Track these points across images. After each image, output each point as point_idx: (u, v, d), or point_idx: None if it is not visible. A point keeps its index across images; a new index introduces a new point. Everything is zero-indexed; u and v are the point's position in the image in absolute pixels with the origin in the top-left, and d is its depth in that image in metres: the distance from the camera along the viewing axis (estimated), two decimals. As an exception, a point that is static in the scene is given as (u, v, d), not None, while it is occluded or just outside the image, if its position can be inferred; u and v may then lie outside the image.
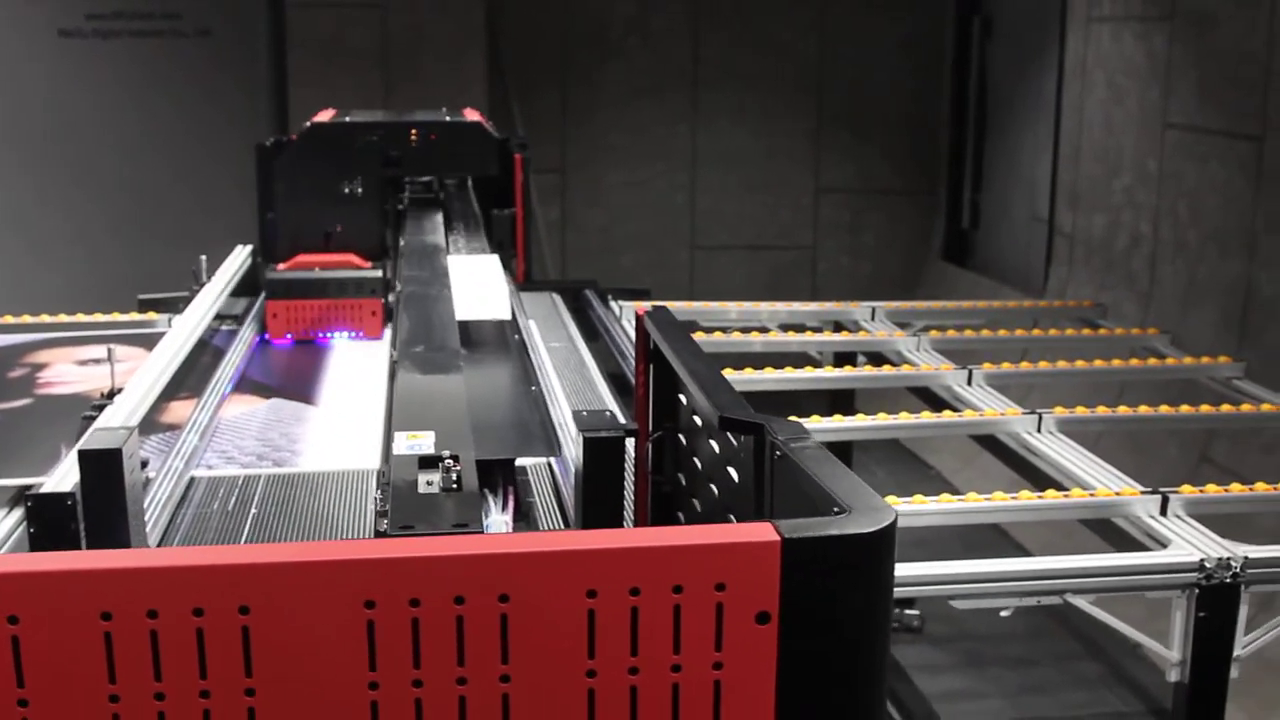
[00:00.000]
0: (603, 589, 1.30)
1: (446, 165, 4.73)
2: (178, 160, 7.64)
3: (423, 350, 2.50)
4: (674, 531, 1.34)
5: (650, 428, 2.34)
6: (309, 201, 4.37)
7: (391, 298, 3.99)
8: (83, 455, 2.25)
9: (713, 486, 1.99)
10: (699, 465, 2.09)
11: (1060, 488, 3.48)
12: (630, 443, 2.37)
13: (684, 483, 2.22)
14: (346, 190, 4.39)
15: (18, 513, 2.76)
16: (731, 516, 1.87)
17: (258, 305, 4.11)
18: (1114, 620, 2.94)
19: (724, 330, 5.18)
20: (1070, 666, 5.18)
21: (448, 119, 4.70)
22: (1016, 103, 7.88)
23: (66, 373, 3.83)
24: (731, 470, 1.86)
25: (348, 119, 4.61)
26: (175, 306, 4.66)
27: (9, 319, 4.49)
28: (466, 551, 1.27)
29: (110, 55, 7.50)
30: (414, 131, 4.48)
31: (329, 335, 3.98)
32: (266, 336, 4.04)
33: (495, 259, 3.65)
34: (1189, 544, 2.99)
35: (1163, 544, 3.04)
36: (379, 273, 4.01)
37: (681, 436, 2.23)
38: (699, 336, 5.05)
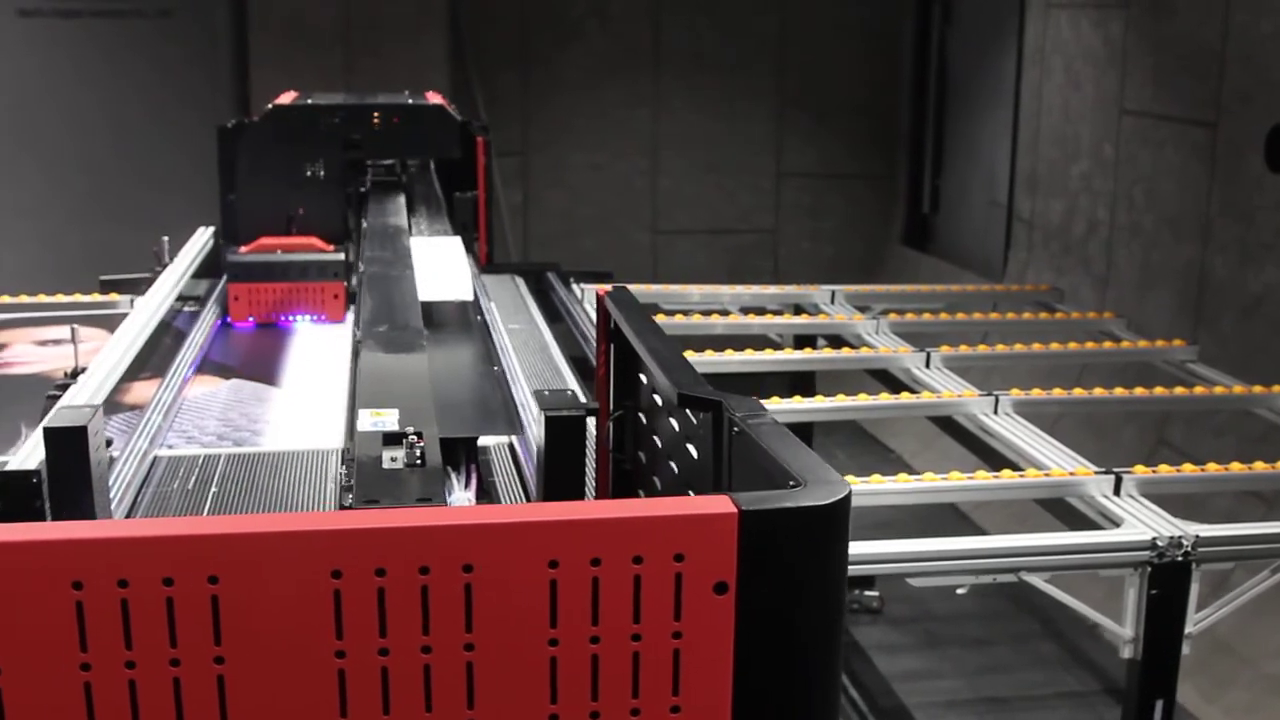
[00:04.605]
0: (564, 559, 1.32)
1: (408, 148, 4.76)
2: (137, 141, 7.61)
3: (386, 330, 2.52)
4: (634, 503, 1.37)
5: (611, 407, 2.37)
6: (271, 184, 4.39)
7: (354, 280, 4.00)
8: (48, 433, 2.26)
9: (672, 464, 2.02)
10: (659, 443, 2.12)
11: (1016, 468, 3.53)
12: (591, 422, 2.40)
13: (644, 461, 2.25)
14: (308, 173, 4.40)
15: (-19, 491, 2.77)
16: (690, 493, 1.90)
17: (220, 287, 4.08)
18: (1067, 597, 3.00)
19: (685, 313, 5.21)
20: (1027, 647, 5.25)
21: (410, 102, 4.68)
22: (975, 88, 7.93)
23: (26, 353, 3.84)
24: (690, 447, 1.89)
25: (309, 101, 4.59)
26: (137, 287, 4.66)
27: (-30, 300, 4.49)
28: (431, 523, 1.30)
29: (71, 35, 7.45)
30: (376, 114, 4.47)
31: (291, 318, 3.98)
32: (228, 319, 4.02)
33: (458, 240, 3.67)
34: (1142, 523, 3.04)
35: (1116, 523, 3.09)
36: (341, 256, 4.02)
37: (642, 415, 2.26)
38: (660, 319, 5.07)
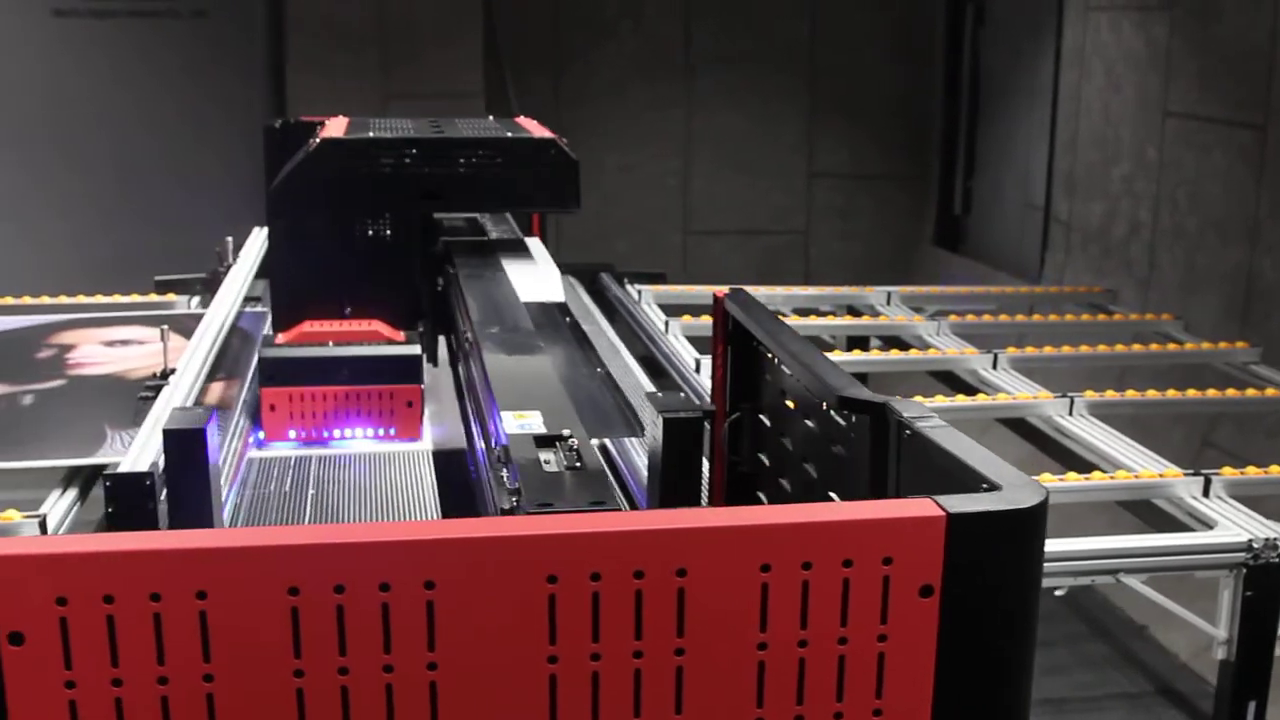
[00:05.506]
0: (776, 563, 1.32)
1: (506, 198, 3.42)
2: (172, 142, 7.61)
3: (498, 331, 2.51)
4: (844, 506, 1.36)
5: (727, 409, 2.36)
6: (319, 249, 3.26)
7: (428, 374, 3.14)
8: (168, 434, 2.25)
9: (808, 466, 2.01)
10: (789, 445, 2.11)
11: (1090, 469, 3.53)
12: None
13: (767, 463, 2.23)
14: (370, 233, 3.25)
15: (72, 493, 2.77)
16: (834, 496, 1.89)
17: (246, 383, 3.13)
18: (1164, 599, 3.00)
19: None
20: (1079, 648, 5.24)
21: (508, 135, 3.41)
22: (1010, 90, 7.92)
23: (95, 353, 3.82)
24: (838, 449, 1.87)
25: (370, 135, 3.31)
26: (192, 288, 4.66)
27: (28, 299, 4.48)
28: (647, 526, 1.29)
29: (105, 35, 7.45)
30: (464, 154, 3.28)
31: (347, 435, 3.01)
32: (260, 435, 3.04)
33: (537, 241, 3.65)
34: (1235, 525, 3.04)
35: (1208, 525, 3.09)
36: (415, 349, 3.01)
37: (763, 417, 2.25)
38: (707, 320, 5.06)
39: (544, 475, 1.70)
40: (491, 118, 3.92)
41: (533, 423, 1.89)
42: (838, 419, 1.86)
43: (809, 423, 2.00)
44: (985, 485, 1.44)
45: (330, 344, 3.06)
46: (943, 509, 1.35)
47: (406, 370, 2.94)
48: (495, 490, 1.79)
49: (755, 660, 1.34)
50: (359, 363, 2.95)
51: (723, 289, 2.37)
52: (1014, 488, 1.42)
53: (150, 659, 1.25)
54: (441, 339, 3.46)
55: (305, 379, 2.95)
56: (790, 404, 2.09)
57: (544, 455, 1.78)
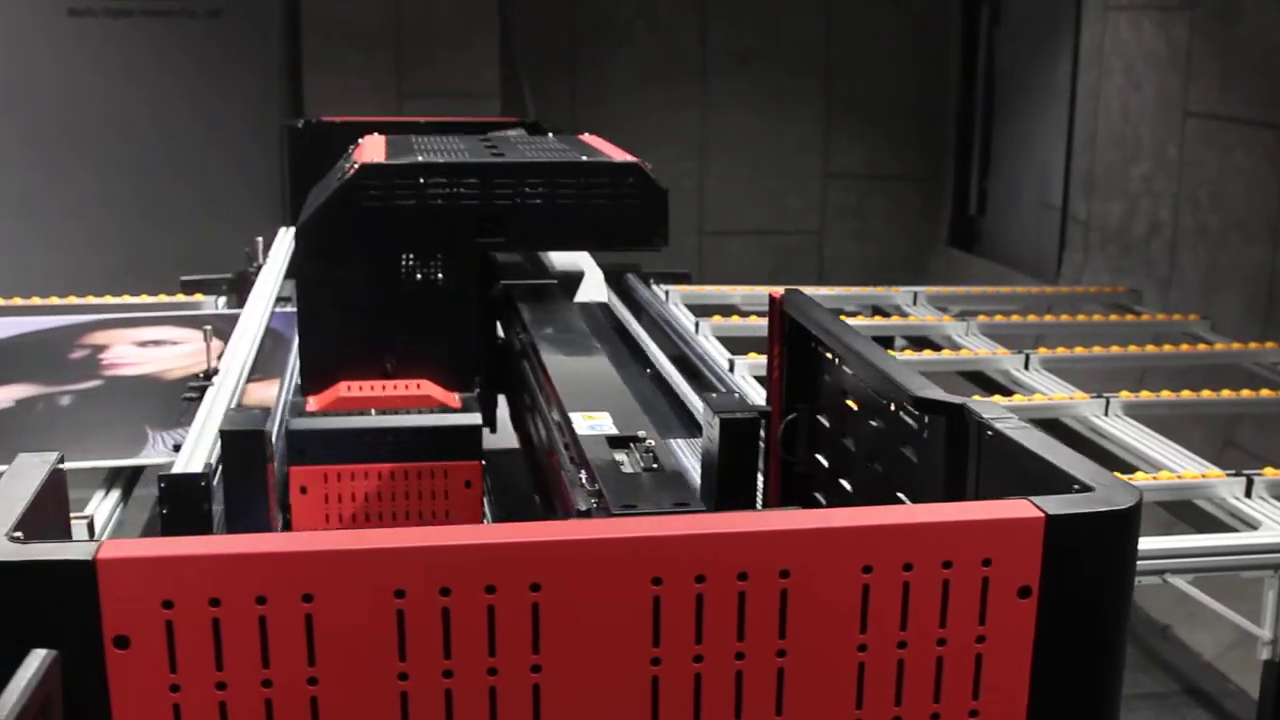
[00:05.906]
0: (878, 564, 1.32)
1: (584, 234, 2.80)
2: (187, 143, 7.61)
3: (553, 333, 2.50)
4: (944, 508, 1.36)
5: (783, 409, 2.35)
6: (357, 296, 2.68)
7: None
8: (226, 435, 2.25)
9: (875, 466, 2.01)
10: (850, 446, 2.11)
11: (1131, 470, 3.53)
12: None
13: (826, 464, 2.23)
14: (418, 275, 2.69)
15: (115, 494, 2.77)
16: (904, 496, 1.89)
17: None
18: (1209, 599, 3.00)
19: (760, 314, 5.19)
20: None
21: (583, 158, 2.82)
22: (1026, 90, 7.92)
23: (128, 354, 3.81)
24: (907, 450, 1.87)
25: (419, 159, 2.68)
26: (217, 288, 4.65)
27: (55, 299, 4.47)
28: (753, 528, 1.29)
29: (120, 35, 7.44)
30: (529, 180, 2.66)
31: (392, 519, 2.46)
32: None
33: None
34: (1279, 525, 3.04)
35: (1252, 525, 3.09)
36: (475, 417, 2.51)
37: (821, 418, 2.25)
38: (736, 320, 5.06)
39: (624, 477, 1.69)
40: (552, 135, 3.51)
41: (603, 424, 1.88)
42: (908, 420, 1.86)
43: (874, 423, 1.99)
44: (1077, 486, 1.44)
45: (372, 412, 2.56)
46: (1041, 510, 1.35)
47: (464, 444, 2.42)
48: (573, 491, 1.78)
49: (855, 661, 1.34)
50: (408, 435, 2.43)
51: (778, 289, 2.37)
52: (1107, 488, 1.41)
53: (255, 662, 1.25)
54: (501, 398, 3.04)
55: (341, 454, 2.43)
56: (852, 404, 2.09)
57: (618, 456, 1.77)
